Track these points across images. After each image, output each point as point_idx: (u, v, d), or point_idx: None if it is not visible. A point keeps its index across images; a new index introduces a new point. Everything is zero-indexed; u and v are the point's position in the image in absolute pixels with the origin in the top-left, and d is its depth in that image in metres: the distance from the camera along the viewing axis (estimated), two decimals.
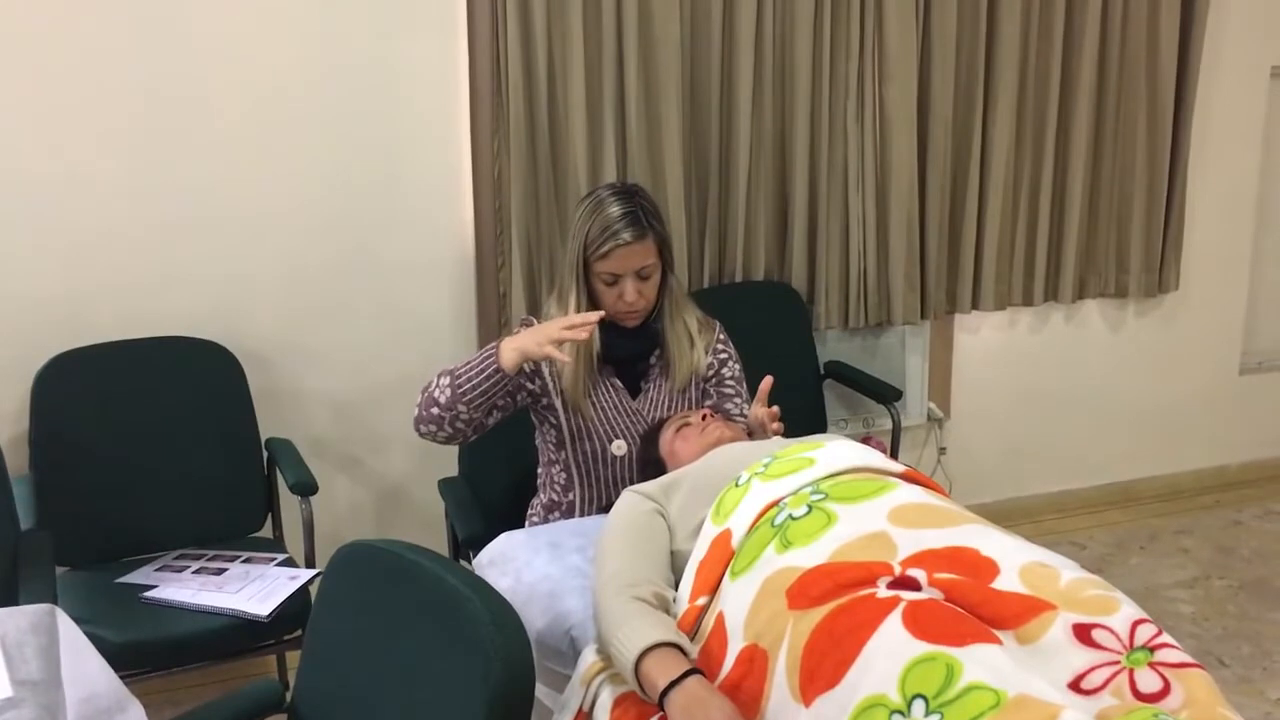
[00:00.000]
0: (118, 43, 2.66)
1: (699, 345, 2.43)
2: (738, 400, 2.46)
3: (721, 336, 2.51)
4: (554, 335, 2.11)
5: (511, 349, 2.16)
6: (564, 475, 2.40)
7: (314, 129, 2.86)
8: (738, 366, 2.50)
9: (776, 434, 2.19)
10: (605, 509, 2.36)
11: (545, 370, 2.35)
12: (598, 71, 2.97)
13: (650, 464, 2.27)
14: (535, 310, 3.02)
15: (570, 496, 2.41)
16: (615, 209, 2.26)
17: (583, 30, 2.91)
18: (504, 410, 2.34)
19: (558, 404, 2.35)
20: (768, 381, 2.25)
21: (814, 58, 3.17)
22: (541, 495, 2.47)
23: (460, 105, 2.96)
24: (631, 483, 2.32)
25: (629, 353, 2.39)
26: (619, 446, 2.36)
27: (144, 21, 2.67)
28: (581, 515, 2.39)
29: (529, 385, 2.36)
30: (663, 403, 2.41)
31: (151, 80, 2.70)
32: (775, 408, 2.23)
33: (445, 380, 2.22)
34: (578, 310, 2.30)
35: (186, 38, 2.71)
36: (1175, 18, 3.57)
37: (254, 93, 2.79)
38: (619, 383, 2.39)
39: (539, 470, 2.49)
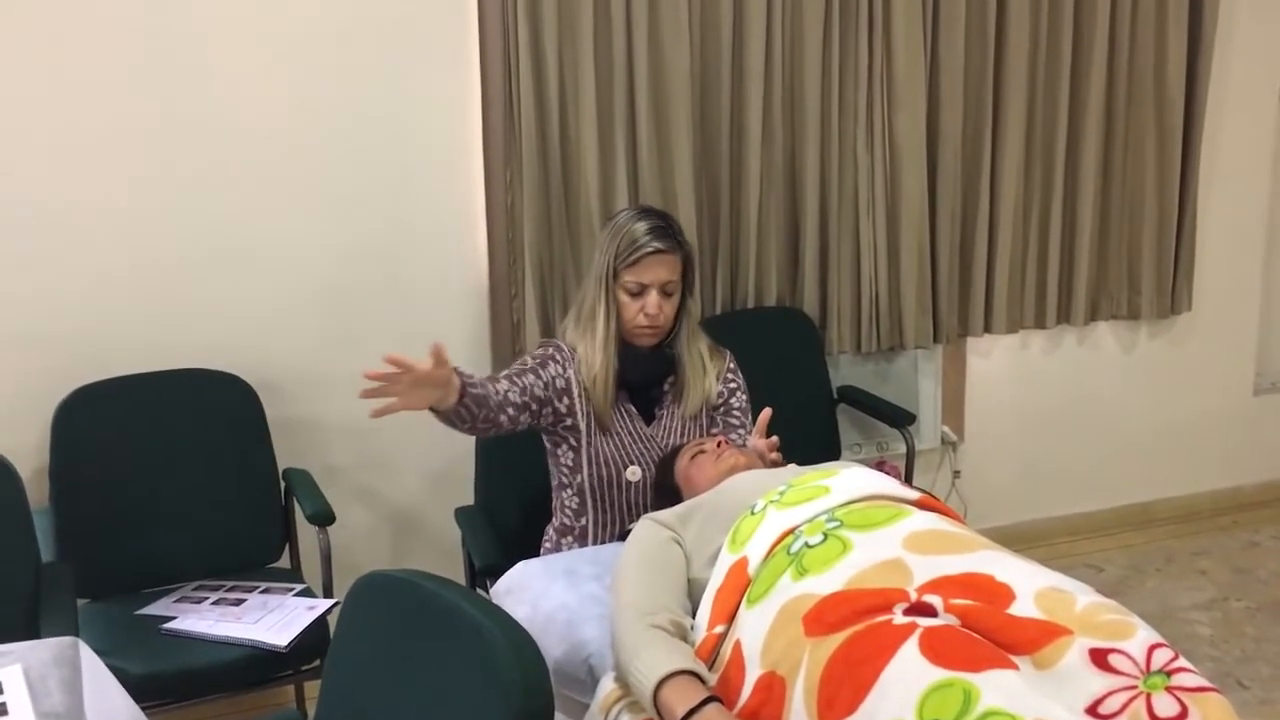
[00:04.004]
0: (137, 80, 2.69)
1: (710, 372, 2.45)
2: (742, 431, 2.48)
3: (731, 365, 2.52)
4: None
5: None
6: (576, 500, 2.41)
7: (328, 162, 2.89)
8: (745, 397, 2.52)
9: (775, 464, 2.20)
10: (618, 535, 2.38)
11: (574, 389, 2.36)
12: (609, 102, 3.00)
13: (666, 491, 2.28)
14: (549, 328, 3.04)
15: (583, 522, 2.41)
16: (649, 222, 2.35)
17: (594, 61, 2.94)
18: (530, 414, 2.31)
19: (582, 425, 2.36)
20: (766, 413, 2.29)
21: (823, 86, 3.19)
22: (554, 520, 2.48)
23: (473, 137, 2.99)
24: (645, 509, 2.33)
25: (644, 376, 2.41)
26: (633, 473, 2.36)
27: (163, 59, 2.70)
28: (594, 541, 2.40)
29: (557, 403, 2.35)
30: (676, 429, 2.42)
31: (169, 116, 2.73)
32: (774, 438, 2.25)
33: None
34: (605, 324, 2.34)
35: (205, 75, 2.74)
36: (1183, 39, 3.59)
37: (271, 127, 2.82)
38: (633, 408, 2.40)
39: (552, 496, 2.50)
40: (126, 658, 2.27)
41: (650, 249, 2.31)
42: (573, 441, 2.38)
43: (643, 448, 2.38)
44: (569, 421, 2.37)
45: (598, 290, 2.36)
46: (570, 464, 2.39)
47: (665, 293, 2.35)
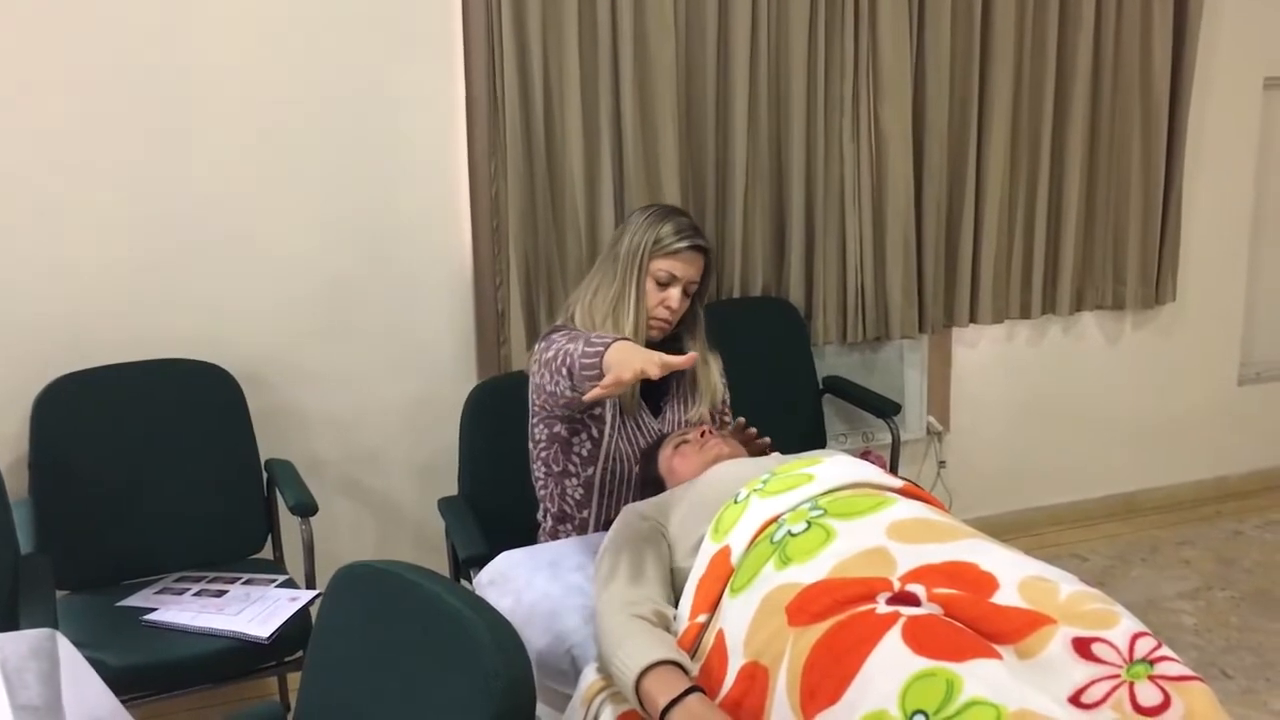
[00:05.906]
0: (117, 70, 2.67)
1: (714, 369, 2.46)
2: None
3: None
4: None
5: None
6: (581, 491, 2.36)
7: (313, 154, 2.87)
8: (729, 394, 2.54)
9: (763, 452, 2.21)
10: None
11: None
12: (594, 92, 2.98)
13: (650, 482, 2.27)
14: (533, 318, 3.02)
15: (584, 514, 2.38)
16: (684, 220, 2.35)
17: (578, 52, 2.93)
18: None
19: (608, 416, 2.32)
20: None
21: (809, 77, 3.19)
22: (551, 506, 2.42)
23: (457, 128, 2.97)
24: None
25: None
26: None
27: (146, 51, 2.68)
28: (592, 533, 2.39)
29: None
30: (681, 425, 2.41)
31: (151, 106, 2.71)
32: (752, 430, 2.29)
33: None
34: (636, 312, 2.30)
35: (185, 65, 2.72)
36: (1168, 30, 3.59)
37: (253, 118, 2.80)
38: (642, 402, 2.39)
39: (545, 482, 2.42)
40: (106, 650, 2.25)
41: (689, 243, 2.31)
42: (594, 433, 2.32)
43: (651, 444, 2.37)
44: (597, 410, 2.31)
45: (627, 274, 2.31)
46: (585, 454, 2.34)
47: (686, 291, 2.34)
